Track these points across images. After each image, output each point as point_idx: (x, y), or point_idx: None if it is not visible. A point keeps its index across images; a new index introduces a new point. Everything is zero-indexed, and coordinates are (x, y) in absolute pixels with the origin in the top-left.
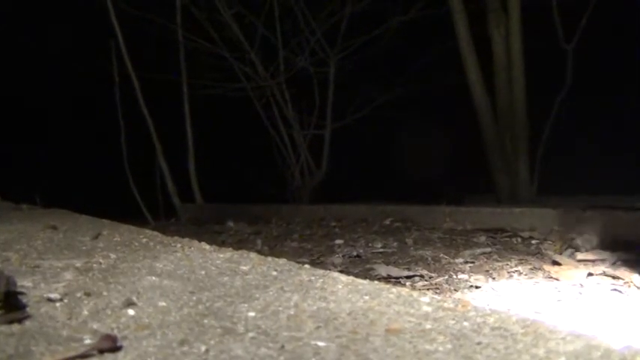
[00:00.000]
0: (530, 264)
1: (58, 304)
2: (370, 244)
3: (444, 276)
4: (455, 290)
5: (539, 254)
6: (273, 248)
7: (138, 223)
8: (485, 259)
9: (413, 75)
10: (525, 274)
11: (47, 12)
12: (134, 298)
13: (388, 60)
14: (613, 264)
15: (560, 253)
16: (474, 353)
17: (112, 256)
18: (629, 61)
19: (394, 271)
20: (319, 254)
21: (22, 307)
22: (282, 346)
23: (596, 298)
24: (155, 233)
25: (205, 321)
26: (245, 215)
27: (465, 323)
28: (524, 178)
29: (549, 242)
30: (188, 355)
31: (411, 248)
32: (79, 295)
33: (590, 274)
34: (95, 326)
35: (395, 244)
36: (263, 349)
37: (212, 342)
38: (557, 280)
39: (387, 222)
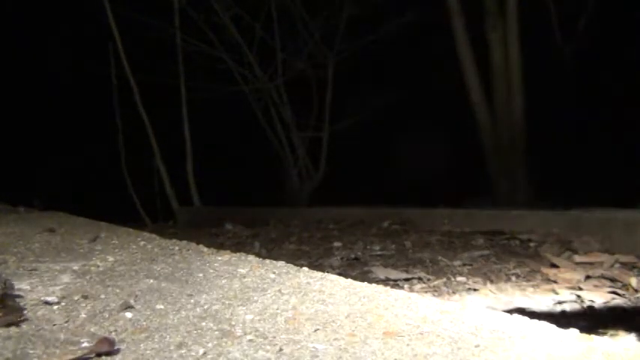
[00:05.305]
0: (529, 266)
1: (55, 307)
2: (368, 247)
3: (442, 278)
4: (453, 293)
5: (537, 257)
6: (271, 251)
7: (136, 226)
8: (483, 262)
9: (411, 77)
10: (523, 277)
11: (46, 13)
12: (132, 301)
13: (386, 62)
14: (611, 266)
15: (559, 256)
16: (472, 356)
17: (110, 258)
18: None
19: (392, 274)
20: (317, 257)
21: (19, 310)
22: (280, 349)
23: (594, 300)
24: (153, 236)
25: (203, 324)
26: (243, 218)
27: (463, 326)
28: (522, 181)
29: (547, 245)
30: (186, 358)
31: (410, 251)
32: (76, 298)
33: (588, 277)
34: (93, 329)
35: (393, 246)
36: (261, 352)
37: (210, 345)
38: (555, 282)
39: (386, 224)
